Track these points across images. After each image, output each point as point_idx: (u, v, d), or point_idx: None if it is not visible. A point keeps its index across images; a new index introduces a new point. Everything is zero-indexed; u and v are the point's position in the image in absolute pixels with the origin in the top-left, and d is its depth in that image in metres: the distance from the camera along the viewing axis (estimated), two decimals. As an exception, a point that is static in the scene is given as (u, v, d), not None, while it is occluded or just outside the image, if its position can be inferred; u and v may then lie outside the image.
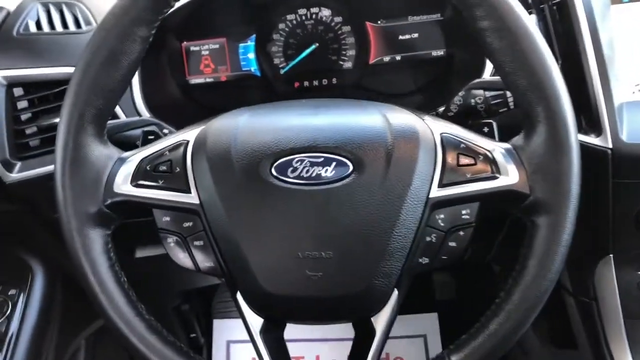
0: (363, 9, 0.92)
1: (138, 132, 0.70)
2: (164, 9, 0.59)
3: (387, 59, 0.93)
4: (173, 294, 1.38)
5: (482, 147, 0.58)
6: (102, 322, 0.59)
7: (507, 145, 0.58)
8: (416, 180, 0.56)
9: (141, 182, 0.59)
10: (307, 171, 0.56)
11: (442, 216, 0.57)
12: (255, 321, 0.59)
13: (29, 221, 0.92)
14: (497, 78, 0.67)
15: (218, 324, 1.48)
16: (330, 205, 0.55)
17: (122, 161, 0.61)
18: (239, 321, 0.60)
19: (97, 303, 0.58)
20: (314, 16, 0.92)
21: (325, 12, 0.92)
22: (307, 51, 0.93)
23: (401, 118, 0.59)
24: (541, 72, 0.54)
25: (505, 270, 1.17)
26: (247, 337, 0.59)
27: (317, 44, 0.93)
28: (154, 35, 0.61)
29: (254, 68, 0.95)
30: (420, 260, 0.57)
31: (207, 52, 0.94)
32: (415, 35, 0.92)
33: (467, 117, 0.69)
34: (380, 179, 0.55)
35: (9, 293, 0.93)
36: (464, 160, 0.57)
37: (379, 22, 0.92)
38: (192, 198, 0.58)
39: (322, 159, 0.56)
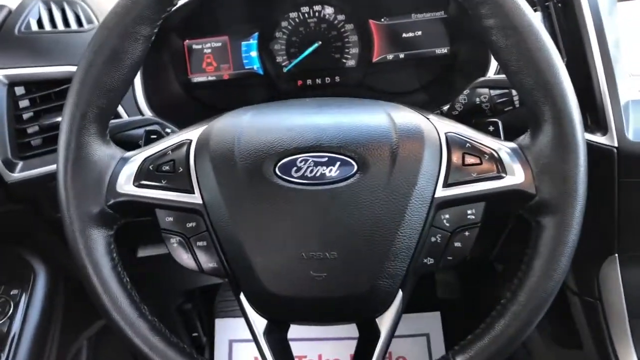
0: (366, 7, 0.91)
1: (140, 131, 0.69)
2: (166, 8, 0.59)
3: (390, 57, 0.93)
4: (175, 293, 1.38)
5: (488, 147, 0.57)
6: (104, 321, 0.59)
7: (512, 145, 0.58)
8: (421, 180, 0.55)
9: (144, 182, 0.59)
10: (311, 171, 0.55)
11: (447, 216, 0.56)
12: (259, 322, 0.58)
13: (31, 221, 0.91)
14: (502, 76, 0.67)
15: (220, 323, 1.48)
16: (334, 205, 0.55)
17: (124, 161, 0.60)
18: (241, 320, 0.59)
19: (100, 304, 0.57)
20: (316, 14, 0.92)
21: (328, 10, 0.92)
22: (310, 49, 0.93)
23: (406, 117, 0.59)
24: (547, 70, 0.54)
25: (508, 269, 1.16)
26: (249, 336, 0.59)
27: (320, 42, 0.93)
28: (155, 34, 0.60)
29: (256, 66, 0.94)
30: (425, 260, 0.57)
31: (209, 51, 0.94)
32: (419, 33, 0.91)
33: (472, 116, 0.68)
34: (385, 179, 0.55)
35: (11, 293, 0.92)
36: (470, 159, 0.56)
37: (382, 19, 0.92)
38: (195, 198, 0.57)
39: (326, 159, 0.55)
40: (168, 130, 0.70)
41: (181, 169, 0.59)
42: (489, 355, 0.55)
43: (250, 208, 0.56)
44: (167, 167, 0.59)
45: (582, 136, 0.54)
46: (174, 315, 1.39)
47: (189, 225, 0.58)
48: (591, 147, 0.69)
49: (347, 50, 0.93)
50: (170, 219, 0.59)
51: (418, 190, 0.55)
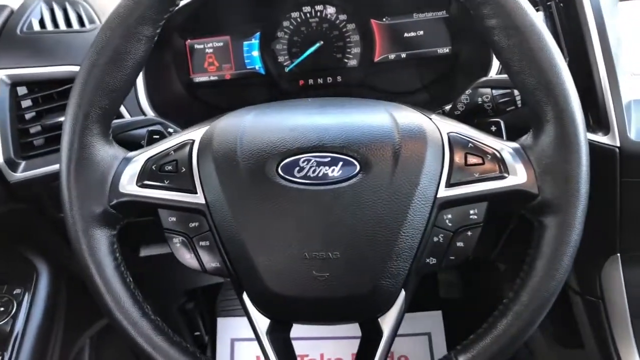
0: (368, 6, 0.91)
1: (143, 131, 0.69)
2: (169, 8, 0.59)
3: (392, 56, 0.93)
4: (177, 292, 1.39)
5: (490, 147, 0.57)
6: (107, 321, 0.59)
7: (515, 145, 0.58)
8: (424, 180, 0.55)
9: (147, 182, 0.59)
10: (314, 171, 0.55)
11: (449, 216, 0.56)
12: (262, 322, 0.58)
13: (33, 220, 0.92)
14: (504, 76, 0.67)
15: (222, 322, 1.49)
16: (337, 205, 0.55)
17: (127, 161, 0.60)
18: (243, 319, 0.59)
19: (103, 304, 0.58)
20: (318, 14, 0.92)
21: (330, 10, 0.92)
22: (312, 49, 0.93)
23: (408, 117, 0.59)
24: (550, 70, 0.54)
25: (510, 268, 1.16)
26: (251, 335, 0.59)
27: (322, 42, 0.93)
28: (158, 34, 0.60)
29: (258, 66, 0.94)
30: (428, 260, 0.57)
31: (211, 50, 0.94)
32: (421, 32, 0.91)
33: (474, 116, 0.68)
34: (387, 179, 0.55)
35: (14, 292, 0.92)
36: (472, 159, 0.57)
37: (384, 19, 0.91)
38: (198, 198, 0.58)
39: (328, 159, 0.56)
40: (170, 130, 0.70)
41: (184, 169, 0.59)
42: (492, 355, 0.55)
43: (252, 208, 0.56)
44: (169, 167, 0.59)
45: (584, 136, 0.54)
46: (176, 314, 1.40)
47: (192, 225, 0.58)
48: (593, 147, 0.69)
49: (348, 50, 0.93)
50: (173, 219, 0.59)
51: (420, 190, 0.55)
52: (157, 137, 0.67)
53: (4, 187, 0.82)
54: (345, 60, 0.94)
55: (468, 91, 0.69)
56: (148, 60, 0.61)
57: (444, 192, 0.56)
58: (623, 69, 0.73)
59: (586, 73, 0.74)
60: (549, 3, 0.79)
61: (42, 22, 0.90)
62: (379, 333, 0.57)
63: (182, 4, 0.78)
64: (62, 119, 0.81)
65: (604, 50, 0.73)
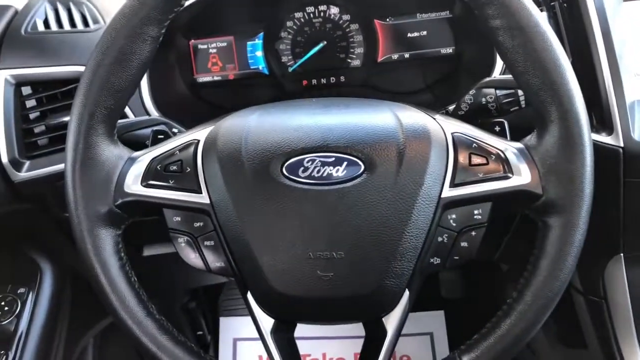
0: (371, 7, 0.91)
1: (147, 131, 0.70)
2: (174, 8, 0.59)
3: (395, 56, 0.93)
4: (180, 292, 1.39)
5: (494, 147, 0.57)
6: (110, 320, 0.59)
7: (519, 145, 0.58)
8: (428, 180, 0.55)
9: (152, 182, 0.59)
10: (318, 171, 0.55)
11: (453, 216, 0.56)
12: (266, 321, 0.58)
13: (38, 220, 0.92)
14: (508, 76, 0.67)
15: (224, 322, 1.49)
16: (341, 205, 0.55)
17: (132, 161, 0.60)
18: (246, 319, 0.60)
19: (108, 303, 0.58)
20: (322, 14, 0.92)
21: (334, 10, 0.92)
22: (315, 49, 0.93)
23: (412, 117, 0.59)
24: (554, 71, 0.54)
25: (513, 269, 1.16)
26: (253, 335, 0.59)
27: (325, 42, 0.93)
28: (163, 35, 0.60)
29: (261, 66, 0.94)
30: (432, 260, 0.57)
31: (214, 51, 0.94)
32: (424, 32, 0.91)
33: (478, 116, 0.68)
34: (391, 179, 0.55)
35: (18, 291, 0.93)
36: (476, 159, 0.57)
37: (387, 19, 0.92)
38: (202, 198, 0.58)
39: (333, 159, 0.56)
40: (175, 130, 0.71)
41: (189, 169, 0.59)
42: (495, 355, 0.55)
43: (257, 208, 0.56)
44: (174, 167, 0.59)
45: (588, 136, 0.54)
46: (179, 313, 1.40)
47: (197, 224, 0.58)
48: (597, 147, 0.69)
49: (352, 50, 0.93)
50: (178, 218, 0.59)
51: (425, 190, 0.55)
52: (162, 137, 0.68)
53: (8, 187, 0.83)
54: (349, 61, 0.94)
55: (472, 91, 0.69)
56: (152, 60, 0.61)
57: (448, 192, 0.56)
58: (627, 69, 0.73)
59: (590, 73, 0.74)
60: (552, 3, 0.79)
61: (46, 22, 0.90)
62: (383, 333, 0.57)
63: (186, 4, 0.78)
64: (66, 118, 0.82)
65: (607, 50, 0.73)
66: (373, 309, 0.57)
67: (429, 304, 1.45)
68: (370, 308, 0.57)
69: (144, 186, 0.59)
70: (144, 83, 0.84)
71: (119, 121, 0.63)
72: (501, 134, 0.62)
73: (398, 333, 0.58)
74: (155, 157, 0.60)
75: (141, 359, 1.23)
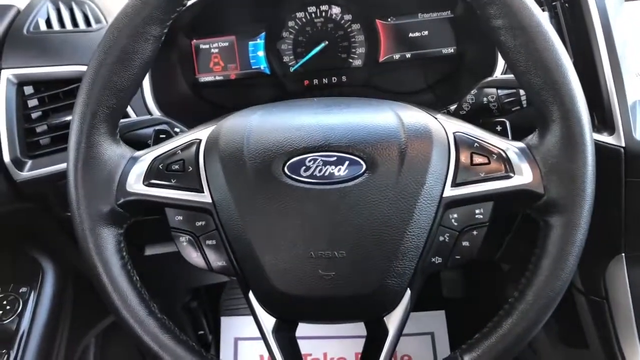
0: (373, 7, 0.91)
1: (149, 130, 0.70)
2: (176, 8, 0.59)
3: (397, 56, 0.93)
4: (181, 291, 1.39)
5: (496, 146, 0.57)
6: (112, 319, 0.59)
7: (521, 144, 0.58)
8: (429, 180, 0.55)
9: (154, 181, 0.59)
10: (320, 170, 0.55)
11: (455, 216, 0.56)
12: (268, 320, 0.58)
13: (39, 219, 0.92)
14: (509, 76, 0.67)
15: (226, 321, 1.49)
16: (343, 204, 0.55)
17: (134, 160, 0.61)
18: (247, 318, 0.60)
19: (109, 302, 0.58)
20: (323, 14, 0.92)
21: (335, 10, 0.92)
22: (317, 49, 0.93)
23: (414, 117, 0.59)
24: (556, 70, 0.54)
25: (514, 268, 1.16)
26: (254, 335, 0.59)
27: (327, 42, 0.93)
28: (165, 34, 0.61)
29: (263, 66, 0.94)
30: (434, 259, 0.57)
31: (216, 50, 0.94)
32: (426, 32, 0.91)
33: (479, 116, 0.68)
34: (393, 178, 0.55)
35: (20, 291, 0.93)
36: (478, 159, 0.57)
37: (389, 19, 0.92)
38: (204, 197, 0.58)
39: (334, 158, 0.56)
40: (177, 129, 0.71)
41: (191, 168, 0.59)
42: (497, 354, 0.55)
43: (259, 207, 0.56)
44: (176, 167, 0.59)
45: (590, 136, 0.54)
46: (180, 313, 1.40)
47: (199, 224, 0.58)
48: (598, 146, 0.69)
49: (353, 50, 0.93)
50: (180, 217, 0.59)
51: (426, 190, 0.55)
52: (164, 136, 0.68)
53: (10, 186, 0.83)
54: (350, 60, 0.94)
55: (473, 91, 0.69)
56: (154, 60, 0.61)
57: (449, 192, 0.56)
58: (628, 69, 0.73)
59: (591, 73, 0.74)
60: (554, 3, 0.79)
61: (48, 22, 0.90)
62: (385, 332, 0.57)
63: (189, 4, 0.78)
64: (68, 118, 0.82)
65: (609, 50, 0.73)
66: (374, 308, 0.57)
67: (430, 303, 1.45)
68: (371, 307, 0.57)
69: (146, 185, 0.59)
70: (146, 82, 0.84)
71: (121, 120, 0.63)
72: (503, 134, 0.62)
73: (399, 333, 0.58)
74: (157, 157, 0.60)
75: (143, 358, 1.23)
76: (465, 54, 0.91)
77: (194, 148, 0.60)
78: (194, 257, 0.59)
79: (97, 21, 0.90)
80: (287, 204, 0.55)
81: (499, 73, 0.80)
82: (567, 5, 0.78)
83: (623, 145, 0.71)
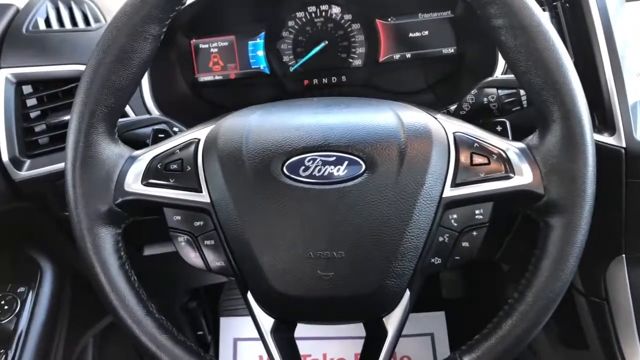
0: (373, 6, 0.91)
1: (148, 130, 0.69)
2: (175, 7, 0.59)
3: (397, 56, 0.93)
4: (180, 291, 1.39)
5: (496, 147, 0.57)
6: (110, 319, 0.59)
7: (521, 145, 0.57)
8: (429, 180, 0.55)
9: (152, 180, 0.59)
10: (319, 170, 0.55)
11: (455, 216, 0.56)
12: (266, 321, 0.58)
13: (38, 219, 0.92)
14: (510, 76, 0.67)
15: (225, 322, 1.49)
16: (342, 204, 0.55)
17: (132, 160, 0.60)
18: (246, 319, 0.60)
19: (107, 302, 0.58)
20: (323, 13, 0.92)
21: (335, 10, 0.92)
22: (317, 49, 0.93)
23: (414, 116, 0.59)
24: (556, 70, 0.54)
25: (514, 269, 1.16)
26: (253, 335, 0.59)
27: (327, 42, 0.93)
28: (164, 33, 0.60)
29: (263, 66, 0.94)
30: (433, 260, 0.56)
31: (216, 50, 0.94)
32: (426, 32, 0.91)
33: (480, 116, 0.68)
34: (392, 178, 0.55)
35: (18, 290, 0.93)
36: (478, 159, 0.56)
37: (389, 19, 0.91)
38: (203, 197, 0.58)
39: (334, 158, 0.55)
40: (175, 129, 0.70)
41: (189, 168, 0.59)
42: (497, 355, 0.55)
43: (258, 207, 0.56)
44: (175, 166, 0.59)
45: (590, 136, 0.54)
46: (179, 313, 1.40)
47: (197, 224, 0.58)
48: (599, 147, 0.69)
49: (353, 50, 0.93)
50: (178, 217, 0.59)
51: (426, 190, 0.55)
52: (162, 136, 0.68)
53: (8, 186, 0.83)
54: (350, 60, 0.94)
55: (473, 91, 0.69)
56: (153, 59, 0.61)
57: (449, 192, 0.56)
58: (629, 69, 0.73)
59: (592, 74, 0.74)
60: (555, 3, 0.79)
61: (47, 21, 0.90)
62: (384, 333, 0.57)
63: (188, 2, 0.78)
64: (66, 117, 0.82)
65: (610, 50, 0.73)
66: (374, 309, 0.57)
67: (430, 304, 1.45)
68: (370, 308, 0.57)
69: (144, 185, 0.59)
70: (145, 82, 0.84)
71: (120, 120, 0.63)
72: (503, 134, 0.62)
73: (399, 333, 0.57)
74: (155, 156, 0.60)
75: (141, 358, 1.23)
76: (466, 54, 0.91)
77: (192, 147, 0.59)
78: (192, 257, 0.59)
79: (96, 20, 0.90)
80: (286, 204, 0.55)
81: (499, 73, 0.80)
82: (567, 5, 0.78)
83: (624, 145, 0.71)
